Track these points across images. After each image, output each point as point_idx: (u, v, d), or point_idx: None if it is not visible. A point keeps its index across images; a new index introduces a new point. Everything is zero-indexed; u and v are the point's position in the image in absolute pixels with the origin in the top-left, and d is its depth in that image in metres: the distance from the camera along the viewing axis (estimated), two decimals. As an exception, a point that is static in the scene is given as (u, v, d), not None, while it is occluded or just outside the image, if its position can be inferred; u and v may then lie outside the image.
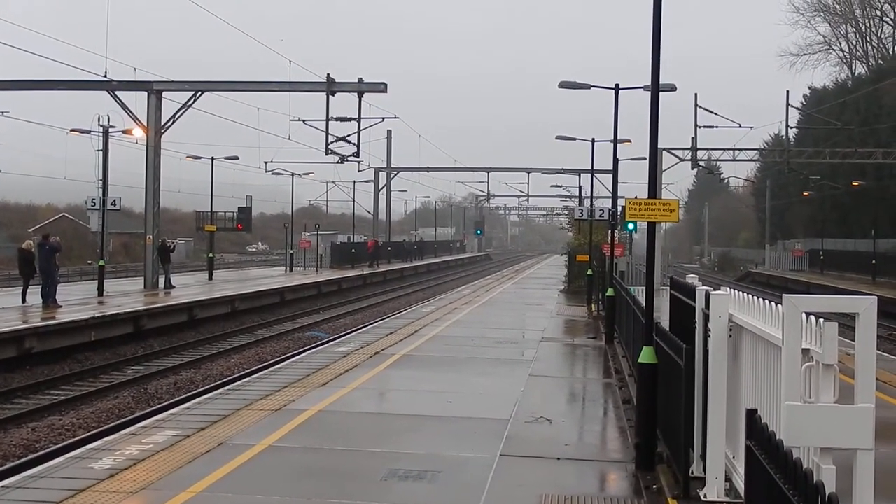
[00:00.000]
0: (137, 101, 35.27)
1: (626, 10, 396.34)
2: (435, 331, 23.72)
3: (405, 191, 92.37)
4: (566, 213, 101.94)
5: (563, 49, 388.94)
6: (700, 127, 47.49)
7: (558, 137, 37.03)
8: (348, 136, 36.20)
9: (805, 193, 69.95)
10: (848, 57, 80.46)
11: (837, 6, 78.30)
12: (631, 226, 37.53)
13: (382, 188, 77.84)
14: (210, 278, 45.22)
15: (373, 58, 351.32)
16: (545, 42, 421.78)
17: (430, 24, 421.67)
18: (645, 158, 12.63)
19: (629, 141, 35.54)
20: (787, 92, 48.84)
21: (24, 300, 27.84)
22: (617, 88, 25.35)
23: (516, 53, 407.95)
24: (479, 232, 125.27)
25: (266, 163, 58.19)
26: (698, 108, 46.72)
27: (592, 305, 31.42)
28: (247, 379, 16.43)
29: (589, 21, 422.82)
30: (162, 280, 36.47)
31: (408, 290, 55.05)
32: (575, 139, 36.17)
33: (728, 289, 8.54)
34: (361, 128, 35.96)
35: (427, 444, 10.93)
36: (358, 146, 36.42)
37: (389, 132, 76.41)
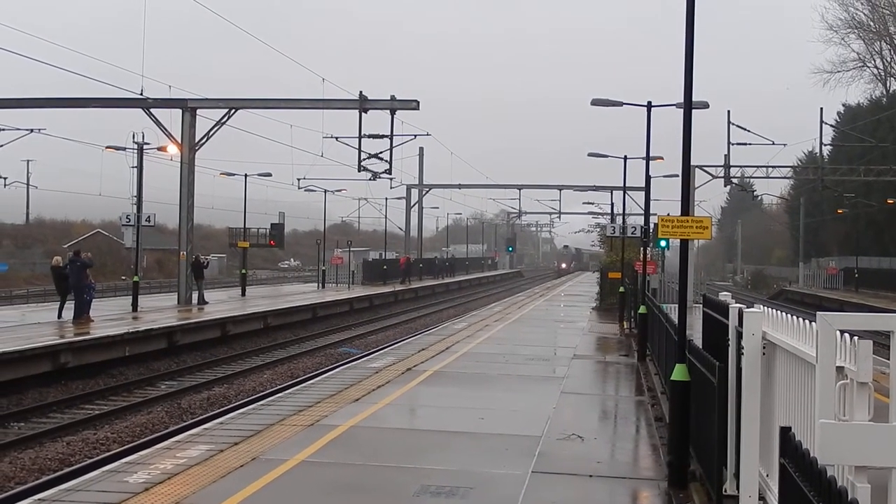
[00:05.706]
0: (172, 118, 35.70)
1: (660, 35, 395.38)
2: (466, 347, 23.73)
3: (437, 207, 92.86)
4: (597, 229, 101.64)
5: (598, 73, 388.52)
6: (733, 144, 47.27)
7: (590, 155, 37.09)
8: (380, 153, 36.34)
9: (839, 211, 69.41)
10: (882, 74, 79.83)
11: (871, 23, 77.75)
12: (663, 243, 37.33)
13: (414, 205, 78.05)
14: (243, 294, 45.51)
15: (405, 82, 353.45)
16: (580, 67, 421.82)
17: (464, 48, 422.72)
18: (677, 176, 12.61)
19: (661, 158, 35.42)
20: (821, 109, 48.48)
21: (59, 315, 28.14)
22: (649, 106, 25.33)
23: (553, 78, 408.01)
24: (510, 249, 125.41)
25: (299, 179, 58.57)
26: (731, 126, 46.54)
27: (624, 323, 31.30)
28: (280, 394, 16.51)
29: (624, 46, 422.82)
30: (195, 296, 36.77)
31: (439, 306, 55.11)
32: (607, 156, 36.22)
33: (761, 306, 8.50)
34: (394, 145, 36.07)
35: (459, 460, 10.94)
36: (390, 163, 36.52)
37: (421, 149, 76.72)
